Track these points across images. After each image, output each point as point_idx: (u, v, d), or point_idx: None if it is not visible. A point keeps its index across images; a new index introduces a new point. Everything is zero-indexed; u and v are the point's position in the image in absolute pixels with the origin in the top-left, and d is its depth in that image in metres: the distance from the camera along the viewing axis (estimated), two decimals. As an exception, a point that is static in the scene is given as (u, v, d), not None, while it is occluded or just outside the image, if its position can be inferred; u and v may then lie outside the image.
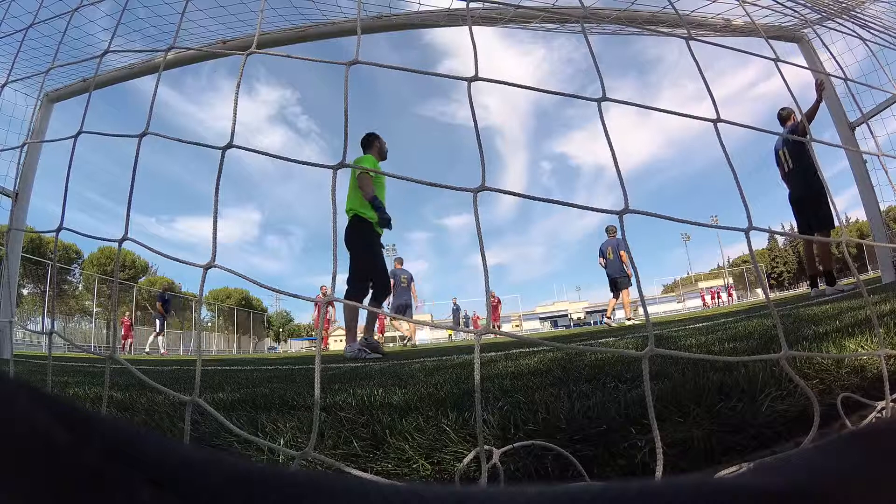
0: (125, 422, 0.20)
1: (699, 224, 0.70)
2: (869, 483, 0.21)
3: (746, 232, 0.66)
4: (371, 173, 3.72)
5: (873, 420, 0.75)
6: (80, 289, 33.82)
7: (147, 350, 12.98)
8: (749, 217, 0.67)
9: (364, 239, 3.97)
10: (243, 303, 42.31)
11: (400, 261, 9.23)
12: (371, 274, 4.06)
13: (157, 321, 12.23)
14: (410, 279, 8.81)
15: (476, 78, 0.70)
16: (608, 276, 8.23)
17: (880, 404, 0.75)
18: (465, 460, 0.72)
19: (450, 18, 4.35)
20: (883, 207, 4.93)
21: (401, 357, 4.00)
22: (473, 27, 0.76)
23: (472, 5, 4.30)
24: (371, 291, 4.10)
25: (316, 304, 11.76)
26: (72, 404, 0.19)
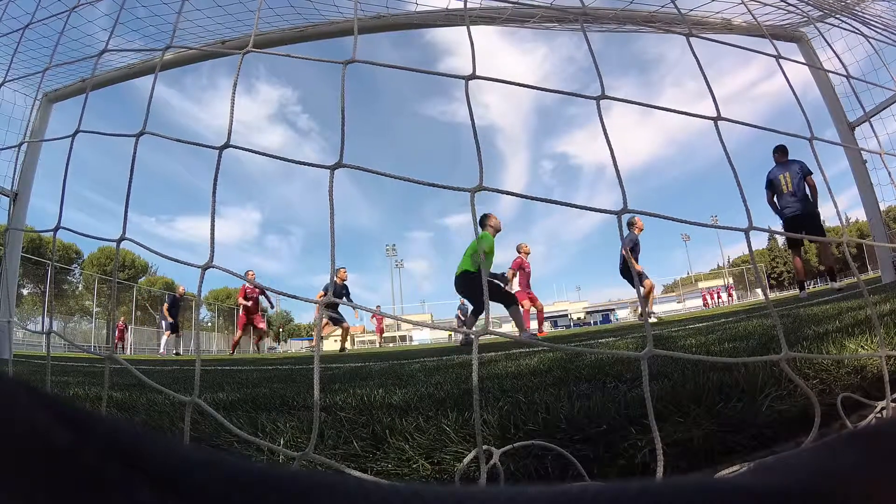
0: (125, 422, 0.20)
1: (698, 224, 0.70)
2: (869, 483, 0.21)
3: (746, 232, 0.66)
4: (486, 250, 5.46)
5: (873, 420, 0.75)
6: (80, 289, 33.80)
7: (162, 351, 13.00)
8: (749, 216, 0.67)
9: (476, 283, 5.58)
10: (243, 303, 42.17)
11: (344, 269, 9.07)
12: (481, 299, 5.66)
13: (164, 323, 12.36)
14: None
15: (473, 76, 0.69)
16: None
17: (880, 404, 0.75)
18: (465, 460, 0.72)
19: (448, 18, 4.35)
20: (883, 207, 4.94)
21: (401, 357, 4.00)
22: (473, 26, 0.76)
23: (469, 4, 4.30)
24: (473, 307, 5.94)
25: (242, 292, 9.66)
26: (72, 404, 0.19)
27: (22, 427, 0.17)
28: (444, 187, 0.65)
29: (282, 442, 0.94)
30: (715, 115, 0.74)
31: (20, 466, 0.16)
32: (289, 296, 0.74)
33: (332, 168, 0.65)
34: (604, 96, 0.70)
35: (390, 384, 1.70)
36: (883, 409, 0.74)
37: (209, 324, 32.64)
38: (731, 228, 0.67)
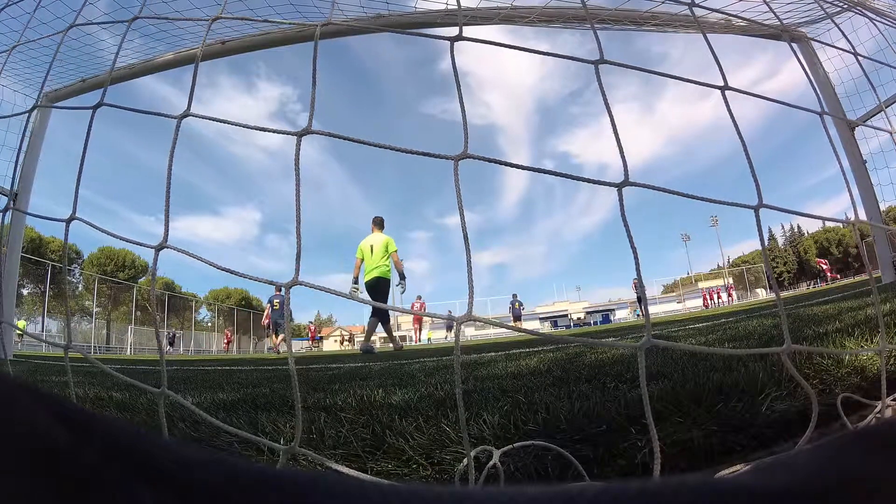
0: (125, 422, 0.20)
1: (704, 199, 0.66)
2: (869, 483, 0.21)
3: (756, 209, 0.63)
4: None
5: (873, 420, 0.75)
6: (79, 289, 33.75)
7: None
8: (759, 193, 0.64)
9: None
10: (243, 303, 42.19)
11: (278, 286, 9.35)
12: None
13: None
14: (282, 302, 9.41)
15: (460, 38, 0.67)
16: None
17: (880, 404, 0.75)
18: (465, 460, 0.72)
19: (448, 17, 4.34)
20: (883, 207, 4.93)
21: (401, 357, 4.00)
22: (471, 26, 0.76)
23: (469, 3, 4.30)
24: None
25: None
26: (72, 404, 0.19)
27: (22, 427, 0.17)
28: (428, 154, 0.63)
29: (282, 442, 0.94)
30: (722, 84, 0.73)
31: (20, 466, 0.16)
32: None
33: (300, 135, 0.62)
34: (602, 61, 0.69)
35: (390, 384, 1.70)
36: (883, 409, 0.74)
37: (209, 324, 32.63)
38: (740, 205, 0.64)
